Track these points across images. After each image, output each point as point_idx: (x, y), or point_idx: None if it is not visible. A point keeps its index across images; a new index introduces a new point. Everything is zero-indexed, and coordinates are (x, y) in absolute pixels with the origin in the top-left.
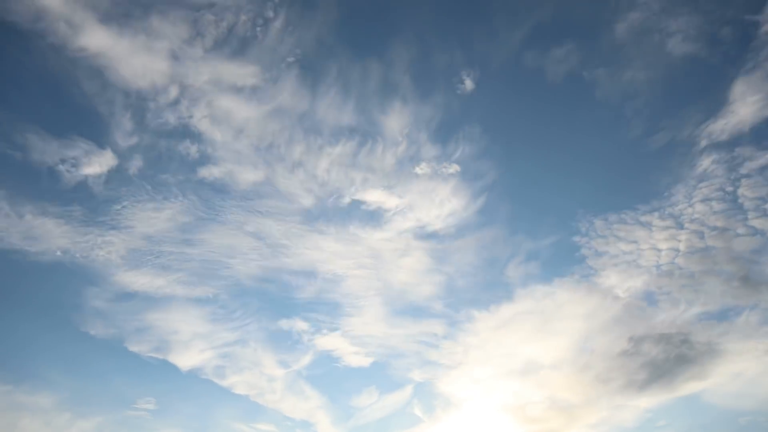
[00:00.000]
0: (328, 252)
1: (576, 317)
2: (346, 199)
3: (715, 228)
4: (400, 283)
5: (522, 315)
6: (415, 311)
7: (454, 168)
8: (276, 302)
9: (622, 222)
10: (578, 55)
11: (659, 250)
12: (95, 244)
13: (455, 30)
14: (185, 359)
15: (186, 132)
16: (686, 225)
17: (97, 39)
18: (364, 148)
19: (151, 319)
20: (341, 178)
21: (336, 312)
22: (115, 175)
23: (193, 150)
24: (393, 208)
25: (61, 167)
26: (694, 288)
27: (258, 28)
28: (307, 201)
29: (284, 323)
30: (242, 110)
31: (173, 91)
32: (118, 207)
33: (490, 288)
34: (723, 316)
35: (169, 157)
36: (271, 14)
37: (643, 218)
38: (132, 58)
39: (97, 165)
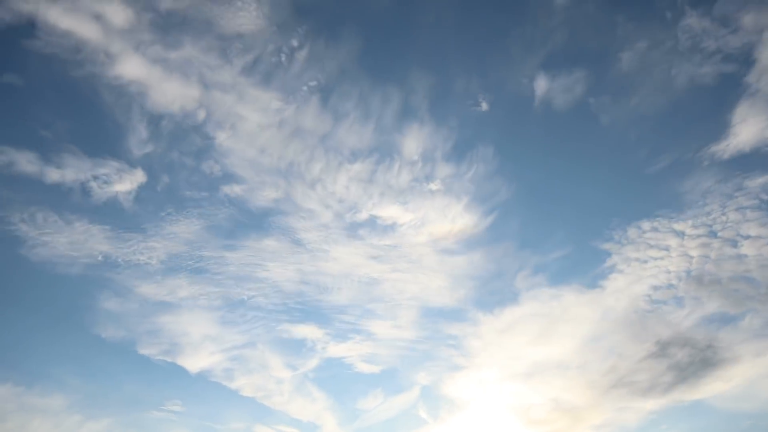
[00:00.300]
0: (344, 263)
1: (583, 321)
2: (363, 214)
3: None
4: (410, 291)
5: (528, 318)
6: (423, 316)
7: (467, 185)
8: (286, 311)
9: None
10: (585, 83)
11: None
12: (135, 250)
13: (473, 58)
14: (195, 361)
15: (210, 152)
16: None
17: (132, 67)
18: (381, 166)
19: (162, 322)
20: (359, 194)
21: (349, 320)
22: (144, 191)
23: (216, 168)
24: (407, 223)
25: (93, 183)
26: (716, 292)
27: (283, 56)
28: (326, 216)
29: (295, 329)
30: (264, 132)
31: (201, 114)
32: (147, 220)
33: (496, 293)
34: (729, 320)
35: (194, 174)
36: (296, 44)
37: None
38: (164, 84)
39: (128, 182)
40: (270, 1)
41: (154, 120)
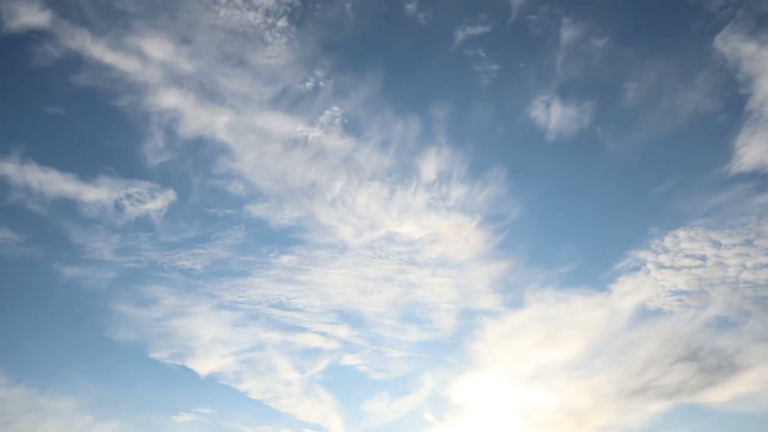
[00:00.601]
0: (358, 277)
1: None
2: (382, 231)
3: None
4: (418, 298)
5: (534, 321)
6: (429, 320)
7: (481, 205)
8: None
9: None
10: (593, 112)
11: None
12: (162, 263)
13: (489, 89)
14: (205, 364)
15: (236, 173)
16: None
17: (167, 97)
18: (399, 186)
19: (173, 325)
20: (379, 213)
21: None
22: (174, 210)
23: (240, 188)
24: (421, 239)
25: (125, 202)
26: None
27: (309, 86)
28: (345, 233)
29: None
30: (288, 156)
31: (230, 140)
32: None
33: (506, 302)
34: (731, 325)
35: (221, 195)
36: (321, 75)
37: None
38: (196, 111)
39: (159, 201)
40: (298, 38)
41: (188, 145)
